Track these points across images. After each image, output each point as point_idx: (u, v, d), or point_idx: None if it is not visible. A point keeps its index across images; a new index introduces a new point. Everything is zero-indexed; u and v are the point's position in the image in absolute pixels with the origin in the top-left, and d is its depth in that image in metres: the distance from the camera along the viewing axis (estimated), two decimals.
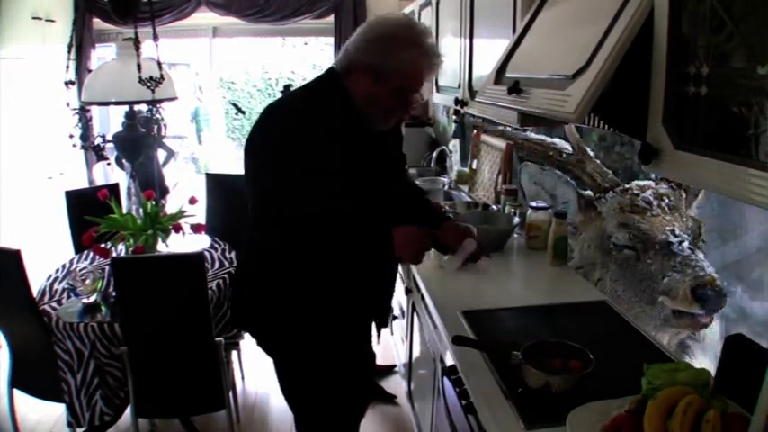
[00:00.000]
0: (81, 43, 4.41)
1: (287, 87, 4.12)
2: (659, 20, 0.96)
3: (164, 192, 3.82)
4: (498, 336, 1.54)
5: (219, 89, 8.29)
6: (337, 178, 1.39)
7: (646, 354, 1.42)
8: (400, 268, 2.39)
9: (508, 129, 2.39)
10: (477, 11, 2.11)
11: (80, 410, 2.15)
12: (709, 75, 0.86)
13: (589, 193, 1.81)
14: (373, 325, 1.81)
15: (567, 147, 1.95)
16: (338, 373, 1.60)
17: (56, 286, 2.46)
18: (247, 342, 1.69)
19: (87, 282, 2.27)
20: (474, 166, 3.34)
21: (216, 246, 2.88)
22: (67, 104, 3.33)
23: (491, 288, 1.92)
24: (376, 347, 1.92)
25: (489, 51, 1.97)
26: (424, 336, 2.07)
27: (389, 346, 3.01)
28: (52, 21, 4.09)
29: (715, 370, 1.12)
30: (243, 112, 6.36)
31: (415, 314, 2.30)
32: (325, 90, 1.50)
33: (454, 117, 3.44)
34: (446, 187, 3.48)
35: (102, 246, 2.47)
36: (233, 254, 2.76)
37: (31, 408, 2.62)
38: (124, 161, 3.70)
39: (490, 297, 1.83)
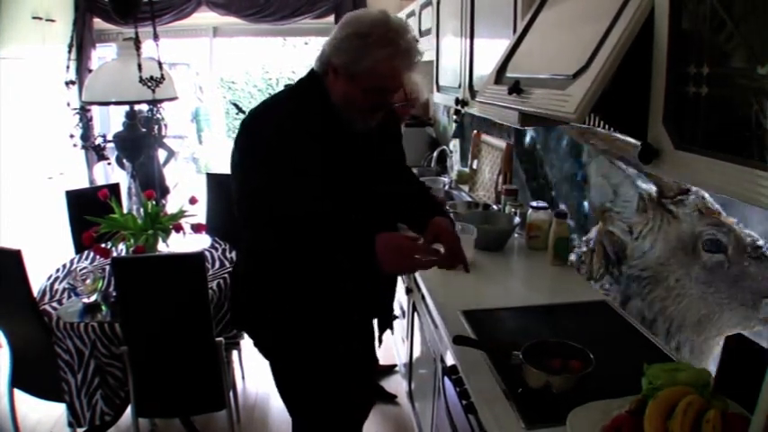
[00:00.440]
0: (81, 43, 4.41)
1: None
2: (660, 20, 0.96)
3: (164, 191, 3.81)
4: (499, 336, 1.55)
5: (220, 89, 8.30)
6: (317, 179, 1.37)
7: (646, 354, 1.42)
8: None
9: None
10: (478, 11, 2.11)
11: (80, 410, 2.15)
12: (710, 75, 0.86)
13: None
14: (375, 328, 1.81)
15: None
16: (335, 374, 1.59)
17: (56, 286, 2.46)
18: (248, 342, 1.69)
19: (88, 282, 2.28)
20: (474, 166, 3.34)
21: (216, 245, 2.88)
22: (68, 104, 3.34)
23: (492, 288, 1.93)
24: (377, 348, 1.90)
25: (490, 51, 1.97)
26: (425, 335, 2.07)
27: (390, 345, 3.01)
28: (52, 20, 4.09)
29: None
30: (243, 112, 6.29)
31: (415, 314, 2.30)
32: (306, 91, 1.48)
33: (455, 117, 3.44)
34: (446, 187, 3.49)
35: (103, 245, 2.47)
36: (233, 254, 2.75)
37: (32, 407, 2.62)
38: (125, 161, 3.71)
39: (491, 297, 1.83)
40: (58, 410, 2.53)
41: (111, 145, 3.57)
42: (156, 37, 2.98)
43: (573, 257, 2.10)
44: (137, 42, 2.78)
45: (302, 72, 1.54)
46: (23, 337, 2.28)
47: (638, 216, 1.76)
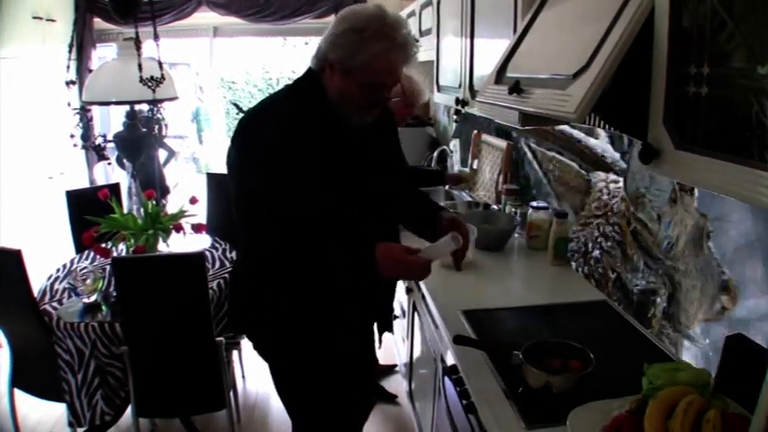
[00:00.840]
0: (82, 43, 4.41)
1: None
2: (660, 19, 0.96)
3: (164, 191, 3.82)
4: (499, 335, 1.55)
5: (220, 89, 8.30)
6: (315, 176, 1.37)
7: (646, 353, 1.42)
8: None
9: None
10: (478, 10, 2.11)
11: (81, 410, 2.16)
12: (710, 75, 0.86)
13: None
14: (375, 329, 1.80)
15: None
16: (334, 372, 1.59)
17: (56, 286, 2.47)
18: (248, 342, 1.69)
19: (88, 281, 2.28)
20: (474, 166, 3.34)
21: (216, 245, 2.88)
22: (68, 104, 3.34)
23: (492, 288, 1.93)
24: (377, 349, 1.90)
25: (490, 51, 1.97)
26: (425, 335, 2.07)
27: (390, 345, 3.01)
28: (53, 20, 4.09)
29: None
30: (243, 112, 6.34)
31: (415, 314, 2.30)
32: (304, 90, 1.49)
33: (455, 117, 3.44)
34: (447, 187, 3.48)
35: (103, 245, 2.48)
36: (233, 253, 2.75)
37: (32, 407, 2.62)
38: (125, 161, 3.71)
39: (491, 297, 1.83)
40: (58, 410, 2.53)
41: (112, 145, 3.57)
42: (156, 37, 2.98)
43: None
44: (137, 42, 2.78)
45: (302, 72, 1.54)
46: (24, 336, 2.28)
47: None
